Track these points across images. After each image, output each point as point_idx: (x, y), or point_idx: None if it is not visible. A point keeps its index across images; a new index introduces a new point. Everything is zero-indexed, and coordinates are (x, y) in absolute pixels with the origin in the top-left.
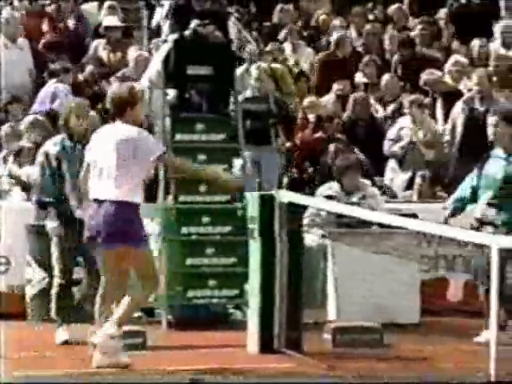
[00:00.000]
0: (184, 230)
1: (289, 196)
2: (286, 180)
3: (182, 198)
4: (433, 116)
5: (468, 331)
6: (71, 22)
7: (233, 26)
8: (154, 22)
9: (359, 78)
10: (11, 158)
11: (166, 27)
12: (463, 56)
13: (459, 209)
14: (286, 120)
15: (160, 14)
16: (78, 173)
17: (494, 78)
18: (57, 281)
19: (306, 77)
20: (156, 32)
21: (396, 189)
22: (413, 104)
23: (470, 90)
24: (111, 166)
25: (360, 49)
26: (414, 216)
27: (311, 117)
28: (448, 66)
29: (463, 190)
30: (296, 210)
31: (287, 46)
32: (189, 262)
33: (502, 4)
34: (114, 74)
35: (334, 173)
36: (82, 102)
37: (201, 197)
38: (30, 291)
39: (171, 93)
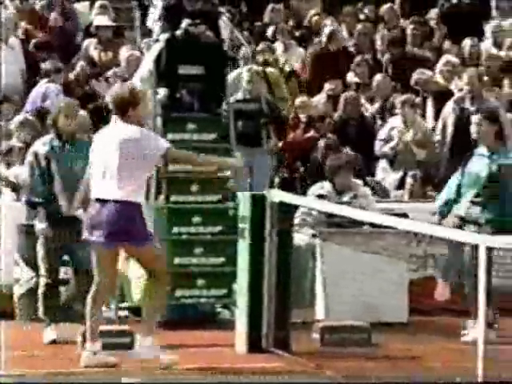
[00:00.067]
0: (175, 229)
1: (280, 196)
2: (277, 180)
3: (173, 198)
4: (422, 115)
5: (456, 330)
6: (61, 20)
7: (225, 26)
8: (148, 21)
9: (351, 77)
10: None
11: (157, 27)
12: (454, 56)
13: (446, 212)
14: (278, 121)
15: (153, 16)
16: (67, 172)
17: (485, 78)
18: (43, 280)
19: (298, 76)
20: (149, 32)
21: (385, 191)
22: (405, 104)
23: (460, 90)
24: (114, 166)
25: (351, 49)
26: (405, 216)
27: (302, 117)
28: (439, 66)
29: (449, 191)
30: (287, 210)
31: (278, 46)
32: (177, 261)
33: (492, 4)
34: (104, 74)
35: (326, 172)
36: (71, 101)
37: (192, 197)
38: (17, 291)
39: (162, 92)
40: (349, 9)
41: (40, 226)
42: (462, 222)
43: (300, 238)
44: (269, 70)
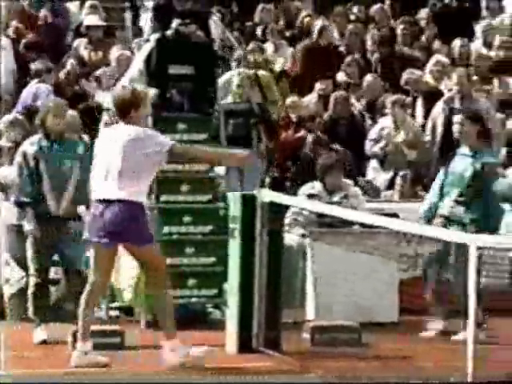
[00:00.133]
0: (166, 229)
1: (270, 195)
2: (267, 180)
3: (163, 198)
4: (412, 115)
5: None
6: (51, 17)
7: (215, 26)
8: (141, 21)
9: (341, 77)
10: None
11: (147, 27)
12: (444, 56)
13: (431, 216)
14: (268, 123)
15: (145, 19)
16: (56, 172)
17: (475, 78)
18: (33, 280)
19: (288, 76)
20: (140, 31)
21: (374, 187)
22: (395, 104)
23: (450, 90)
24: (118, 167)
25: (342, 48)
26: (395, 216)
27: (293, 116)
28: (429, 66)
29: (433, 193)
30: (277, 210)
31: (269, 46)
32: (168, 261)
33: (483, 4)
34: (94, 73)
35: (317, 172)
36: (59, 101)
37: (182, 196)
38: (8, 290)
39: (152, 92)
40: (339, 9)
41: (28, 226)
42: (447, 222)
43: (291, 237)
44: (261, 72)
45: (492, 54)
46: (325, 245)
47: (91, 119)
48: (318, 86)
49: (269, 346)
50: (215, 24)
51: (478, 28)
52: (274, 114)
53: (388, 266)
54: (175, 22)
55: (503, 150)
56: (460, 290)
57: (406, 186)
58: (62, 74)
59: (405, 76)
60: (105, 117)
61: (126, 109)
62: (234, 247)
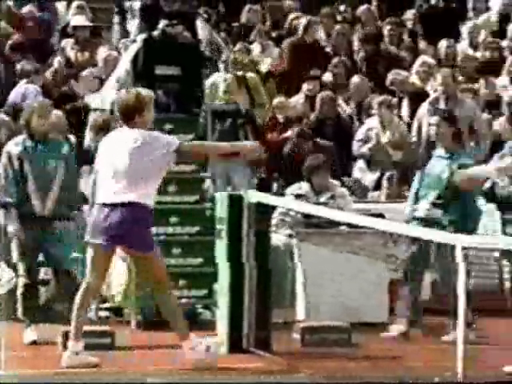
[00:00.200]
0: (153, 230)
1: (257, 196)
2: (254, 180)
3: None
4: (398, 116)
5: (437, 330)
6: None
7: (202, 27)
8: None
9: (327, 77)
10: None
11: (134, 27)
12: (431, 57)
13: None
14: (254, 123)
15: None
16: (40, 172)
17: (461, 78)
18: (22, 280)
19: (275, 76)
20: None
21: (362, 187)
22: (381, 105)
23: (435, 91)
24: (125, 171)
25: (328, 49)
26: (382, 216)
27: (280, 117)
28: (415, 67)
29: (413, 197)
30: (264, 210)
31: (256, 47)
32: None
33: (469, 5)
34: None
35: (304, 172)
36: (44, 102)
37: (169, 197)
38: None
39: None
40: (326, 10)
41: (12, 227)
42: (423, 224)
43: (278, 238)
44: (249, 75)
45: (478, 54)
46: (312, 245)
47: (78, 120)
48: (305, 86)
49: (259, 346)
50: (202, 25)
51: (464, 29)
52: (261, 116)
53: (376, 267)
54: (162, 23)
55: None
56: (446, 290)
57: (393, 186)
58: (48, 74)
59: (390, 76)
60: (91, 117)
61: (130, 114)
62: (221, 248)
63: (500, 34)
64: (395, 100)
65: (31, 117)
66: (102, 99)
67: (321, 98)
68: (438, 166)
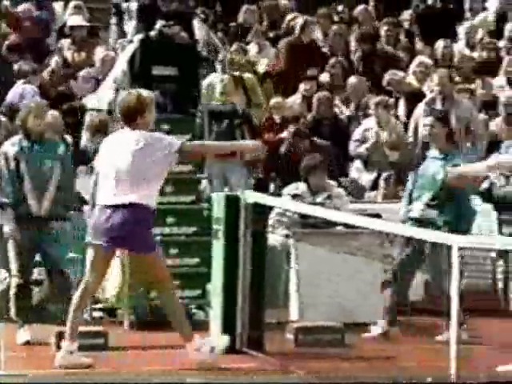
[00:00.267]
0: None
1: (254, 196)
2: (251, 180)
3: None
4: (395, 116)
5: (430, 330)
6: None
7: (199, 27)
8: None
9: (324, 78)
10: None
11: (131, 28)
12: (427, 57)
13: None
14: (251, 124)
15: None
16: (36, 172)
17: (458, 78)
18: (15, 281)
19: (272, 76)
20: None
21: (359, 188)
22: (378, 105)
23: (432, 91)
24: (128, 173)
25: (325, 49)
26: (378, 216)
27: (277, 117)
28: (412, 67)
29: (406, 198)
30: (261, 211)
31: (253, 47)
32: None
33: (466, 5)
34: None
35: (301, 172)
36: (40, 102)
37: (166, 197)
38: None
39: None
40: (323, 10)
41: (8, 227)
42: (418, 225)
43: (274, 238)
44: (246, 75)
45: (475, 54)
46: (308, 245)
47: (75, 120)
48: (302, 86)
49: (252, 346)
50: (199, 25)
51: (461, 29)
52: (258, 117)
53: (372, 267)
54: (159, 23)
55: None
56: (438, 291)
57: (390, 187)
58: (45, 74)
59: (387, 77)
60: (87, 118)
61: (132, 115)
62: (218, 248)
63: (497, 33)
64: (392, 100)
65: (27, 117)
66: (99, 99)
67: (317, 99)
68: (432, 166)
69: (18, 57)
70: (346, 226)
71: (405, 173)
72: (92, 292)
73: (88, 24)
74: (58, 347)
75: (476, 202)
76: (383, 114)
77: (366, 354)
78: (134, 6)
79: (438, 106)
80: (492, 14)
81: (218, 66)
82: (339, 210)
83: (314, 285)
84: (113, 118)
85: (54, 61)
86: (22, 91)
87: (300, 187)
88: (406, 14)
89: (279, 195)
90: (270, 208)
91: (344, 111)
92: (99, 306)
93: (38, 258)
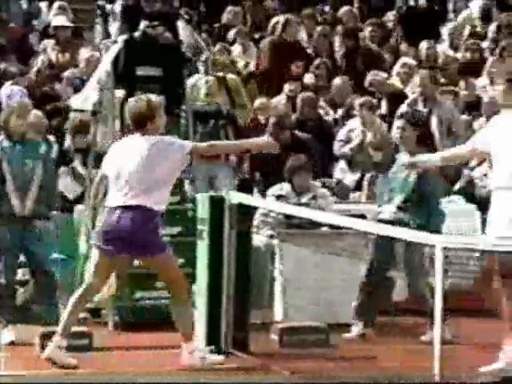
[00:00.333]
0: None
1: (239, 197)
2: (235, 181)
3: None
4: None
5: (414, 330)
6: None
7: (184, 28)
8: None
9: (309, 79)
10: None
11: (115, 28)
12: (411, 58)
13: None
14: (236, 124)
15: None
16: (19, 172)
17: (442, 80)
18: None
19: (256, 76)
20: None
21: (344, 188)
22: (363, 106)
23: (414, 93)
24: (139, 177)
25: (310, 51)
26: (363, 217)
27: (262, 118)
28: (396, 68)
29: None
30: (246, 211)
31: (237, 48)
32: (135, 262)
33: (450, 6)
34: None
35: (285, 173)
36: (23, 102)
37: None
38: None
39: (119, 93)
40: (308, 11)
41: None
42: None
43: (259, 239)
44: (229, 76)
45: (459, 55)
46: (293, 246)
47: (59, 120)
48: (286, 87)
49: (237, 347)
50: (183, 25)
51: (445, 30)
52: (242, 117)
53: (356, 267)
54: (143, 24)
55: None
56: (414, 290)
57: (373, 187)
58: (32, 74)
59: (369, 77)
60: (71, 118)
61: (142, 121)
62: (203, 249)
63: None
64: (374, 101)
65: (9, 117)
66: (84, 100)
67: (301, 99)
68: (403, 169)
69: (0, 59)
70: (331, 226)
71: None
72: (93, 294)
73: (72, 25)
74: (43, 348)
75: (460, 202)
76: (368, 115)
77: (350, 354)
78: (118, 7)
79: (420, 107)
80: (477, 10)
81: (201, 68)
82: (324, 210)
83: (299, 285)
84: (96, 119)
85: (40, 60)
86: (9, 92)
87: (284, 188)
88: (390, 15)
89: (263, 194)
90: (255, 209)
91: (329, 112)
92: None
93: (22, 258)
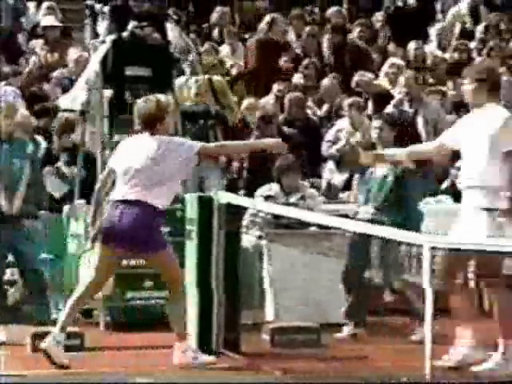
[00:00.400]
0: None
1: (227, 197)
2: (224, 181)
3: None
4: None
5: (404, 330)
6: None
7: (172, 29)
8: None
9: (298, 79)
10: None
11: (103, 28)
12: (400, 58)
13: None
14: (225, 124)
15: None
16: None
17: (431, 80)
18: None
19: (243, 75)
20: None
21: (334, 189)
22: (352, 107)
23: (400, 93)
24: (148, 177)
25: (298, 51)
26: (346, 217)
27: (250, 119)
28: (384, 69)
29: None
30: (235, 211)
31: (225, 48)
32: (124, 262)
33: (437, 7)
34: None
35: (274, 173)
36: (11, 102)
37: None
38: None
39: (107, 93)
40: (296, 11)
41: None
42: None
43: (247, 239)
44: (215, 78)
45: (447, 56)
46: (281, 246)
47: (47, 121)
48: (275, 87)
49: (228, 347)
50: (172, 26)
51: (433, 30)
52: (229, 118)
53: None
54: (131, 24)
55: None
56: (389, 287)
57: None
58: (24, 74)
59: (356, 77)
60: (58, 117)
61: (152, 122)
62: (191, 249)
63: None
64: (362, 101)
65: None
66: (72, 100)
67: (289, 99)
68: (381, 170)
69: None
70: (320, 226)
71: None
72: (95, 291)
73: (61, 24)
74: (34, 348)
75: (447, 201)
76: (356, 115)
77: (341, 354)
78: (107, 8)
79: (406, 107)
80: (465, 6)
81: (187, 69)
82: (312, 210)
83: (288, 285)
84: (85, 119)
85: (31, 61)
86: (2, 93)
87: (273, 188)
88: (379, 16)
89: (248, 194)
90: (244, 209)
91: (317, 113)
92: None
93: (11, 258)
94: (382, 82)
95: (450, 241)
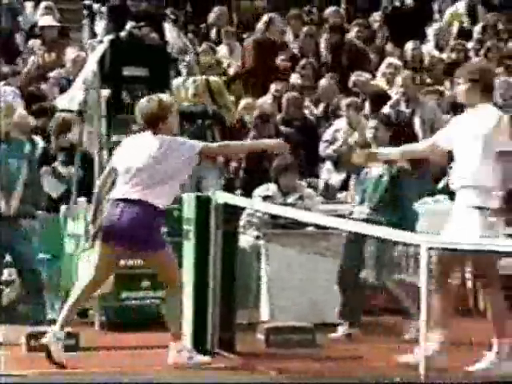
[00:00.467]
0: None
1: (225, 197)
2: (222, 181)
3: None
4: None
5: (398, 329)
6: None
7: (170, 29)
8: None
9: (295, 79)
10: None
11: (101, 28)
12: (397, 58)
13: None
14: (222, 125)
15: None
16: (3, 172)
17: (428, 80)
18: None
19: (240, 75)
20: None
21: (332, 189)
22: (349, 107)
23: (396, 93)
24: (149, 176)
25: (295, 51)
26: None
27: (248, 119)
28: (382, 69)
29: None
30: (232, 211)
31: (223, 48)
32: (122, 262)
33: (435, 7)
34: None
35: (271, 173)
36: (9, 102)
37: None
38: None
39: (104, 93)
40: (294, 12)
41: None
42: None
43: (245, 239)
44: (212, 78)
45: (444, 56)
46: (279, 246)
47: (45, 121)
48: (273, 87)
49: (223, 347)
50: (170, 26)
51: (430, 31)
52: (227, 118)
53: None
54: (129, 25)
55: None
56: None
57: None
58: (23, 74)
59: (353, 77)
60: (55, 117)
61: (154, 122)
62: (189, 249)
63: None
64: (359, 101)
65: None
66: (70, 100)
67: (287, 99)
68: (376, 169)
69: None
70: (317, 226)
71: None
72: (94, 289)
73: (59, 24)
74: (29, 348)
75: (445, 202)
76: (354, 116)
77: (336, 354)
78: (105, 7)
79: (403, 107)
80: (463, 5)
81: (184, 70)
82: (310, 210)
83: (285, 285)
84: (82, 119)
85: (30, 61)
86: (2, 93)
87: (271, 188)
88: (376, 16)
89: (249, 195)
90: (242, 209)
91: (314, 112)
92: None
93: (8, 258)
94: (380, 82)
95: (447, 241)
